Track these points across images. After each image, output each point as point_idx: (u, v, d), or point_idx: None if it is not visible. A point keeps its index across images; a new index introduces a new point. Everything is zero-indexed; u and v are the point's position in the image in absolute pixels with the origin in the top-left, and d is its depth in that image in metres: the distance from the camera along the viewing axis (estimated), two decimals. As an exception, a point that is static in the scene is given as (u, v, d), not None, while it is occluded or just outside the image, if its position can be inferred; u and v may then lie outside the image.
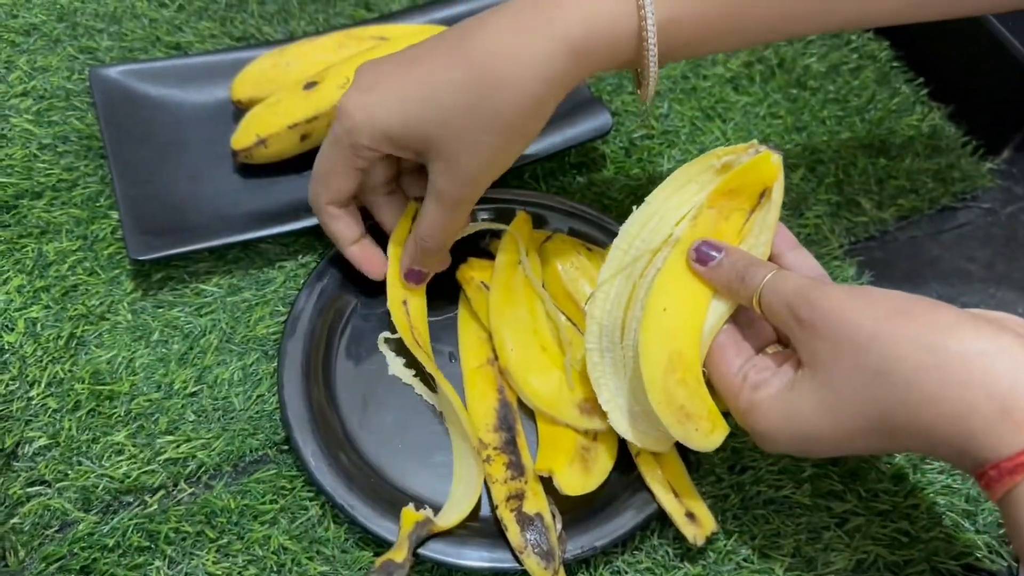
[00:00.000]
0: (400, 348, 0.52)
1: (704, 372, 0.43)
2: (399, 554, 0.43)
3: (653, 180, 0.61)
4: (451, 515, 0.45)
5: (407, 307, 0.51)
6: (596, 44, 0.43)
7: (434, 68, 0.44)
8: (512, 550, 0.45)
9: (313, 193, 0.50)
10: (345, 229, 0.50)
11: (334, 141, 0.47)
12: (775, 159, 0.43)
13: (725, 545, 0.47)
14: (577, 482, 0.47)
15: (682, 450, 0.48)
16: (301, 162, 0.58)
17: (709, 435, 0.42)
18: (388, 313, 0.51)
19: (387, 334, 0.52)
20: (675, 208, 0.45)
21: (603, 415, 0.46)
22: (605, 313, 0.46)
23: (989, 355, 0.33)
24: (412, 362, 0.52)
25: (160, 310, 0.53)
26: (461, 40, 0.44)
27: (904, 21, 0.48)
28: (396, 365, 0.52)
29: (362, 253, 0.51)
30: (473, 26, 0.45)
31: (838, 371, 0.37)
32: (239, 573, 0.45)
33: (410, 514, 0.45)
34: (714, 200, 0.44)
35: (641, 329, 0.43)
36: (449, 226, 0.48)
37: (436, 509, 0.46)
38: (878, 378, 0.35)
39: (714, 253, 0.43)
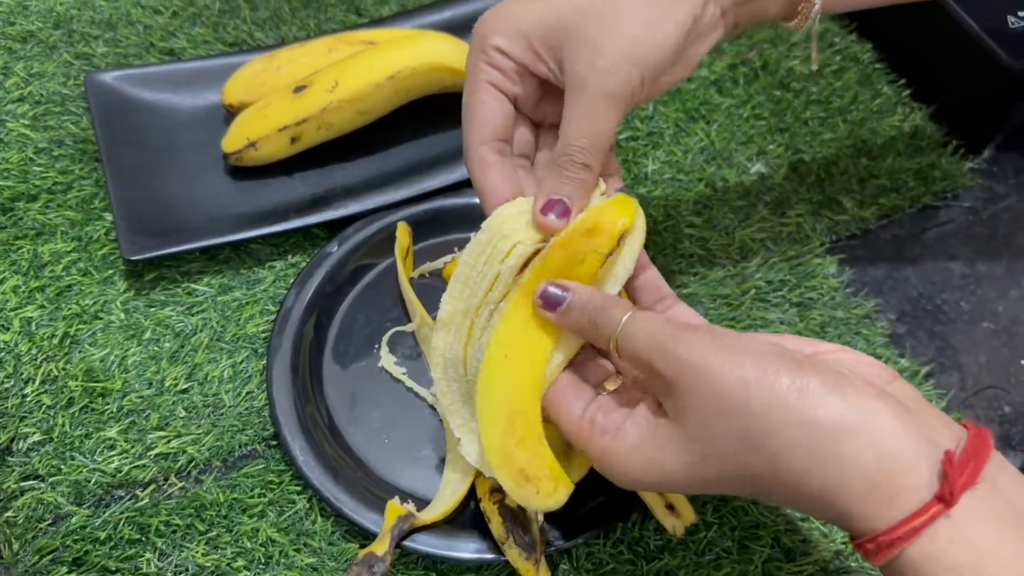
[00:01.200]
0: (393, 344, 0.53)
1: (543, 412, 0.40)
2: (380, 547, 0.44)
3: (638, 180, 0.62)
4: (436, 509, 0.46)
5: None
6: None
7: None
8: (495, 542, 0.46)
9: (464, 138, 0.42)
10: (498, 179, 0.41)
11: (469, 65, 0.42)
12: (633, 203, 0.40)
13: (705, 536, 0.48)
14: (559, 475, 0.47)
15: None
16: (291, 164, 0.59)
17: (551, 496, 0.40)
18: (377, 313, 0.52)
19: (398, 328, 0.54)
20: (511, 234, 0.40)
21: None
22: (447, 346, 0.42)
23: (856, 429, 0.32)
24: (404, 359, 0.53)
25: (152, 309, 0.54)
26: None
27: None
28: (388, 360, 0.53)
29: (499, 172, 0.42)
30: None
31: (706, 431, 0.34)
32: (228, 565, 0.46)
33: (394, 508, 0.46)
34: (567, 241, 0.39)
35: (479, 381, 0.40)
36: (600, 127, 0.40)
37: (421, 502, 0.47)
38: (748, 446, 0.33)
39: (561, 294, 0.39)
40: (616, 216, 0.39)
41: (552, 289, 0.39)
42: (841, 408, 0.32)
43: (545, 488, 0.40)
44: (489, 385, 0.40)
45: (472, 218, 0.57)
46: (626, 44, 0.39)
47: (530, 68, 0.41)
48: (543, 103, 0.44)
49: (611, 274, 0.40)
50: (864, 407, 0.32)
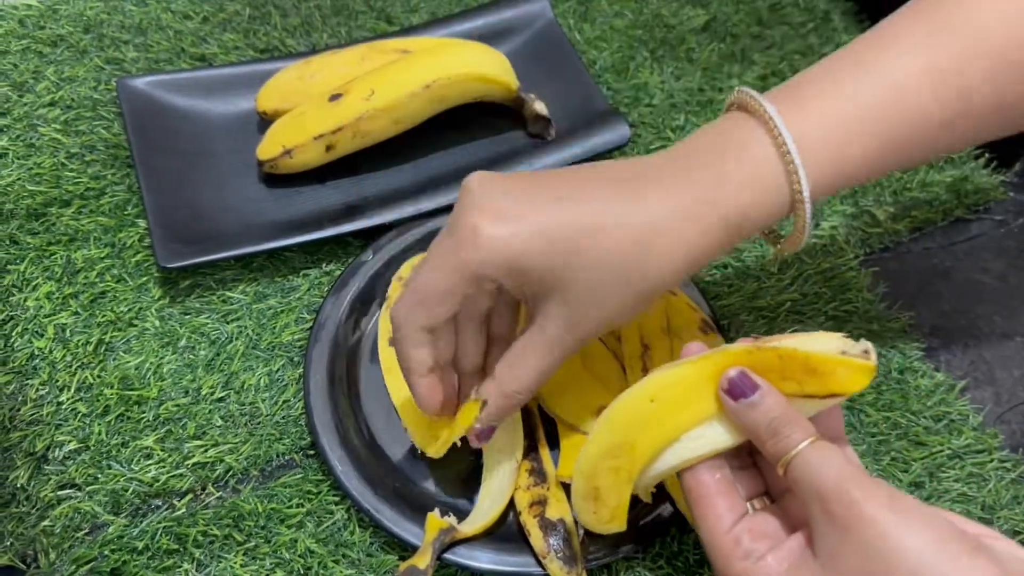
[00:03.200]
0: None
1: (688, 516, 0.41)
2: (422, 560, 0.44)
3: (670, 191, 0.62)
4: (476, 522, 0.46)
5: None
6: (749, 220, 0.42)
7: (595, 215, 0.40)
8: (535, 555, 0.45)
9: (404, 313, 0.42)
10: (427, 357, 0.43)
11: (451, 266, 0.40)
12: (871, 376, 0.37)
13: (744, 551, 0.47)
14: (599, 488, 0.47)
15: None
16: (325, 172, 0.59)
17: (605, 523, 0.43)
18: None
19: None
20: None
21: None
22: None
23: None
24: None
25: (187, 317, 0.54)
26: (626, 197, 0.41)
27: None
28: None
29: (430, 386, 0.44)
30: (637, 187, 0.41)
31: None
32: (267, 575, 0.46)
33: (435, 520, 0.45)
34: (789, 357, 0.38)
35: (616, 403, 0.41)
36: (546, 376, 0.43)
37: (459, 513, 0.47)
38: None
39: (750, 392, 0.38)
40: (852, 383, 0.37)
41: (745, 378, 0.38)
42: None
43: (603, 515, 0.42)
44: (622, 412, 0.40)
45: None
46: (603, 322, 0.42)
47: (511, 293, 0.44)
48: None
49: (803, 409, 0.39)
50: None
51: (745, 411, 0.38)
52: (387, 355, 0.52)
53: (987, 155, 0.65)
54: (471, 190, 0.41)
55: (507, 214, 0.40)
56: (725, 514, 0.38)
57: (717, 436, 0.39)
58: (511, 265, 0.40)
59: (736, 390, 0.38)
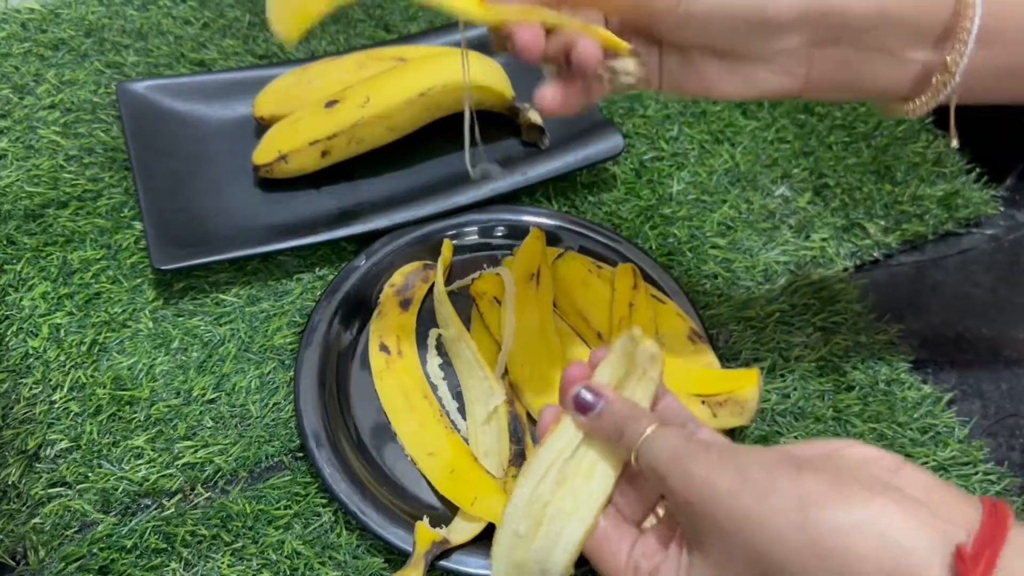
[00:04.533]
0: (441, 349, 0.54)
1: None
2: (415, 572, 0.44)
3: (663, 200, 0.62)
4: (465, 531, 0.46)
5: None
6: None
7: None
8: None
9: None
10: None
11: None
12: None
13: None
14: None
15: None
16: (320, 177, 0.60)
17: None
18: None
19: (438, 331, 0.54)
20: None
21: None
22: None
23: (863, 529, 0.31)
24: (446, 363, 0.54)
25: (181, 319, 0.54)
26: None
27: None
28: (434, 364, 0.53)
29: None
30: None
31: (726, 554, 0.33)
32: (253, 576, 0.46)
33: (426, 532, 0.46)
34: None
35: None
36: None
37: (446, 518, 0.47)
38: (759, 563, 0.32)
39: (594, 400, 0.38)
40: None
41: (586, 394, 0.38)
42: (844, 510, 0.31)
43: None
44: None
45: (495, 234, 0.58)
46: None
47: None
48: None
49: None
50: (870, 506, 0.31)
51: (596, 422, 0.38)
52: (377, 359, 0.53)
53: (978, 170, 0.65)
54: None
55: None
56: (618, 548, 0.37)
57: (598, 485, 0.38)
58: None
59: (582, 405, 0.38)
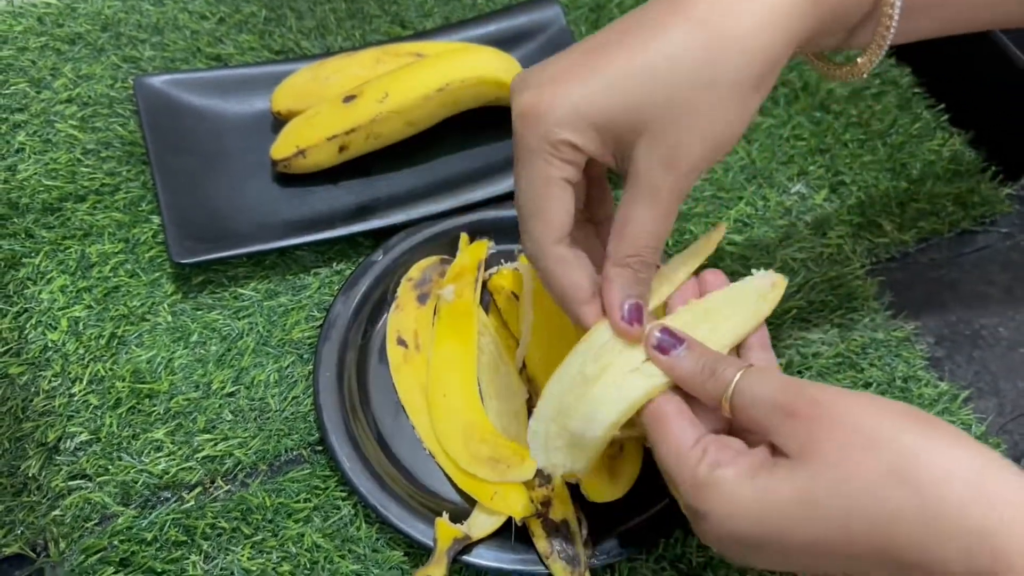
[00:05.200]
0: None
1: (647, 445, 0.41)
2: (438, 570, 0.44)
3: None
4: (484, 525, 0.46)
5: None
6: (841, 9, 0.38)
7: (646, 37, 0.37)
8: (539, 555, 0.46)
9: (532, 240, 0.39)
10: (579, 277, 0.40)
11: (529, 157, 0.38)
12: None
13: (747, 555, 0.48)
14: (603, 489, 0.48)
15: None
16: (338, 173, 0.60)
17: (521, 465, 0.47)
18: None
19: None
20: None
21: (628, 424, 0.48)
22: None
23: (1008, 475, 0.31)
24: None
25: (199, 312, 0.55)
26: (669, 3, 0.37)
27: None
28: None
29: (596, 310, 0.40)
30: None
31: (840, 467, 0.32)
32: (273, 569, 0.46)
33: (447, 529, 0.46)
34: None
35: (431, 417, 0.50)
36: (664, 228, 0.39)
37: (465, 511, 0.47)
38: (894, 479, 0.31)
39: (677, 343, 0.39)
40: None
41: (666, 336, 0.39)
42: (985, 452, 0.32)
43: (514, 462, 0.47)
44: (441, 417, 0.49)
45: (514, 231, 0.58)
46: (706, 148, 0.37)
47: (598, 160, 0.39)
48: (588, 189, 0.44)
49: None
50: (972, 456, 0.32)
51: (677, 363, 0.39)
52: (395, 353, 0.53)
53: (994, 168, 0.65)
54: (517, 82, 0.39)
55: (564, 76, 0.37)
56: (688, 429, 0.37)
57: (651, 377, 0.39)
58: (588, 119, 0.37)
59: (664, 345, 0.39)
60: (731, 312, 0.43)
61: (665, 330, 0.40)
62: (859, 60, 0.43)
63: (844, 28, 0.40)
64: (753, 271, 0.45)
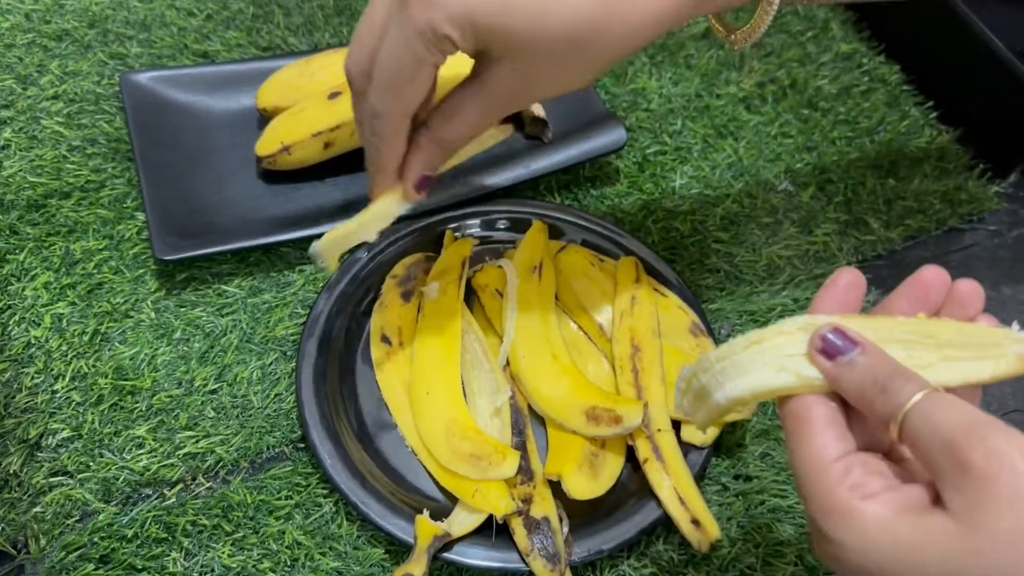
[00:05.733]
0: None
1: (789, 447, 0.35)
2: (418, 567, 0.44)
3: (666, 194, 0.62)
4: (465, 523, 0.46)
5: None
6: None
7: None
8: (520, 552, 0.46)
9: (381, 100, 0.41)
10: (402, 148, 0.44)
11: (410, 35, 0.39)
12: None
13: (729, 552, 0.48)
14: (585, 487, 0.48)
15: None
16: (323, 169, 0.60)
17: (503, 463, 0.47)
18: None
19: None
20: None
21: (609, 423, 0.48)
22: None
23: None
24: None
25: (183, 309, 0.55)
26: None
27: None
28: None
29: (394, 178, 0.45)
30: None
31: (1001, 530, 0.28)
32: (254, 566, 0.46)
33: (427, 526, 0.46)
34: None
35: (414, 414, 0.50)
36: (481, 128, 0.43)
37: (446, 509, 0.47)
38: None
39: (847, 346, 0.33)
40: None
41: (836, 337, 0.33)
42: None
43: (496, 460, 0.47)
44: (423, 415, 0.49)
45: (498, 227, 0.58)
46: (556, 92, 0.42)
47: (460, 50, 0.40)
48: None
49: None
50: None
51: (845, 371, 0.33)
52: (379, 351, 0.53)
53: (982, 165, 0.65)
54: None
55: None
56: (833, 443, 0.32)
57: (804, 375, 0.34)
58: (469, 19, 0.38)
59: (832, 348, 0.33)
60: (962, 351, 0.34)
61: (838, 331, 0.33)
62: (752, 21, 0.44)
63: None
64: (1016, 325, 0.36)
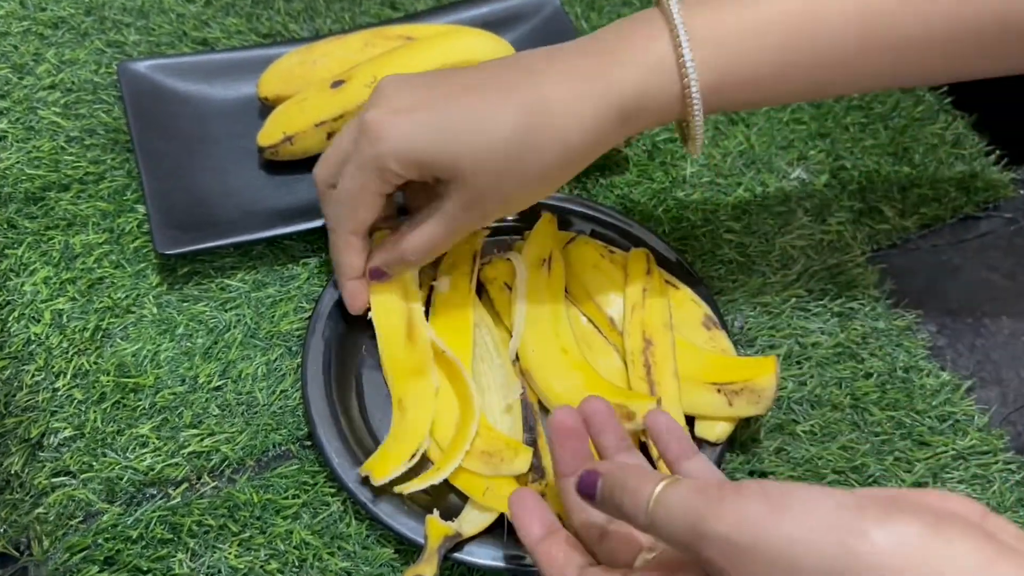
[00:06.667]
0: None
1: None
2: (429, 568, 0.43)
3: (676, 183, 0.61)
4: (476, 522, 0.46)
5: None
6: (645, 109, 0.44)
7: (484, 102, 0.44)
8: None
9: (334, 218, 0.48)
10: (357, 260, 0.49)
11: (358, 166, 0.45)
12: None
13: None
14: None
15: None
16: (326, 160, 0.58)
17: (515, 459, 0.46)
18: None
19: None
20: None
21: (621, 419, 0.47)
22: None
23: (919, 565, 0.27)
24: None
25: (185, 304, 0.53)
26: (518, 79, 0.44)
27: (952, 79, 0.50)
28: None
29: (360, 288, 0.50)
30: (532, 66, 0.45)
31: None
32: (261, 567, 0.45)
33: (437, 526, 0.45)
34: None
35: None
36: (442, 248, 0.49)
37: (456, 507, 0.46)
38: None
39: (592, 477, 0.36)
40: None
41: (588, 478, 0.36)
42: (892, 541, 0.28)
43: (508, 456, 0.46)
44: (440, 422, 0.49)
45: (506, 219, 0.57)
46: (503, 208, 0.47)
47: (416, 180, 0.46)
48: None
49: None
50: (937, 538, 0.28)
51: (602, 505, 0.36)
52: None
53: (997, 152, 0.64)
54: (381, 89, 0.45)
55: (408, 110, 0.44)
56: (558, 549, 0.39)
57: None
58: (411, 158, 0.44)
59: (587, 486, 0.36)
60: None
61: (588, 472, 0.36)
62: (687, 146, 0.48)
63: (661, 124, 0.47)
64: None
